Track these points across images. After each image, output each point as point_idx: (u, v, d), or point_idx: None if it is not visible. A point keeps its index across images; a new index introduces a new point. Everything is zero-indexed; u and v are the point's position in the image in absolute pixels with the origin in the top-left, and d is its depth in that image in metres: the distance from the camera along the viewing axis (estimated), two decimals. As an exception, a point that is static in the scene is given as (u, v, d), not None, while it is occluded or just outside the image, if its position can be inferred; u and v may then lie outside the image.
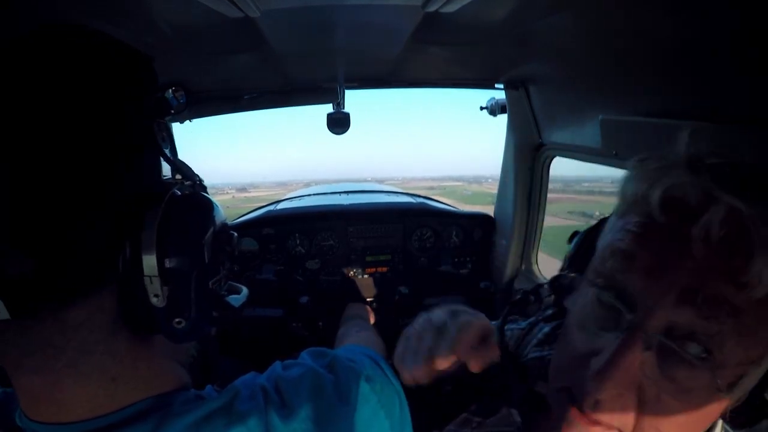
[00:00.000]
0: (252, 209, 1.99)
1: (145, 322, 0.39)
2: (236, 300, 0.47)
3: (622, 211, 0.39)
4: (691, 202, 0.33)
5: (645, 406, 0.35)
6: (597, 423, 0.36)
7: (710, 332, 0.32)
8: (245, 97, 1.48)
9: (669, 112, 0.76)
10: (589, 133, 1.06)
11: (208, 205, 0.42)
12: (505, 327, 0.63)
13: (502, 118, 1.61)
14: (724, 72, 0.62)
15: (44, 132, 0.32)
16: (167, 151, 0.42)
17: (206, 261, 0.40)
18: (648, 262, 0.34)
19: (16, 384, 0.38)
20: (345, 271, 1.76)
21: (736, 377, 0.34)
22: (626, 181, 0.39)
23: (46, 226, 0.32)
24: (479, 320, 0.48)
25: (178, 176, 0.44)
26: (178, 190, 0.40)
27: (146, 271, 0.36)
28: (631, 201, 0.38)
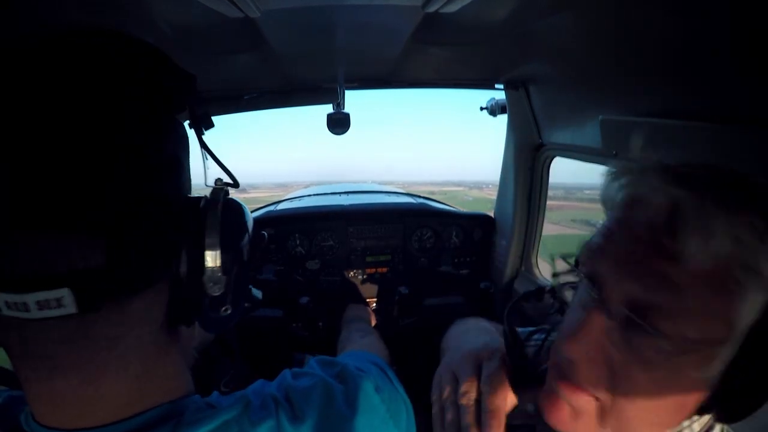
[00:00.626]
0: (251, 210, 1.99)
1: (191, 312, 0.42)
2: (257, 293, 0.52)
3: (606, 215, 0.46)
4: (649, 200, 0.39)
5: (616, 377, 0.39)
6: (576, 389, 0.41)
7: (657, 304, 0.36)
8: (245, 97, 1.48)
9: (669, 112, 0.76)
10: (589, 133, 1.06)
11: (245, 207, 0.48)
12: (532, 337, 0.64)
13: (502, 119, 1.61)
14: (724, 72, 0.62)
15: (115, 137, 0.34)
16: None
17: (248, 256, 0.45)
18: (612, 250, 0.41)
19: (40, 388, 0.36)
20: (345, 271, 1.76)
21: (703, 358, 0.37)
22: (603, 189, 0.47)
23: (119, 220, 0.34)
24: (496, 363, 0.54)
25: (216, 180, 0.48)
26: (225, 194, 0.44)
27: (209, 263, 0.40)
28: (608, 206, 0.45)
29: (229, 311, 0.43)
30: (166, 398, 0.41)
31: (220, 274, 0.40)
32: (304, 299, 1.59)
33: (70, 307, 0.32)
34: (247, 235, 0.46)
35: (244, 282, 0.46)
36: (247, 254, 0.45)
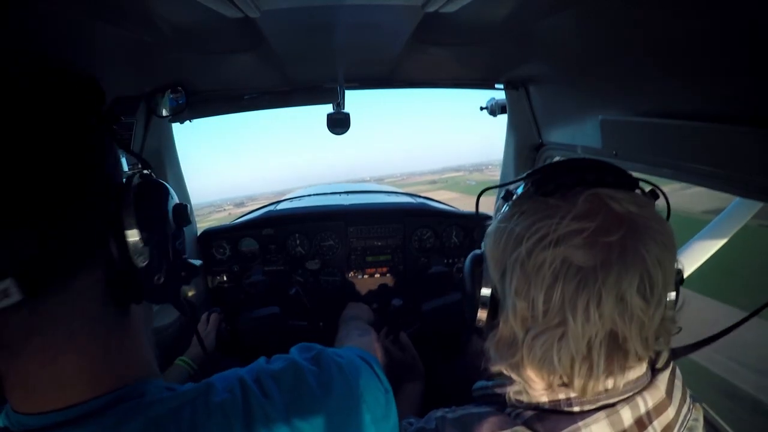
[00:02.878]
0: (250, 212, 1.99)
1: (130, 287, 0.45)
2: (196, 261, 0.57)
3: None
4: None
5: None
6: None
7: None
8: (245, 97, 1.48)
9: (669, 112, 0.76)
10: (589, 133, 1.06)
11: (164, 185, 0.52)
12: None
13: (502, 116, 1.61)
14: (725, 72, 0.62)
15: (41, 152, 0.38)
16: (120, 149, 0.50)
17: (172, 227, 0.51)
18: None
19: (11, 375, 0.40)
20: (345, 271, 1.77)
21: None
22: None
23: (48, 211, 0.38)
24: None
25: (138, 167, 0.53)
26: (139, 176, 0.49)
27: (130, 238, 0.44)
28: None
29: (162, 279, 0.48)
30: (127, 380, 0.43)
31: (141, 245, 0.44)
32: (293, 289, 1.59)
33: (15, 296, 0.35)
34: (164, 208, 0.50)
35: (174, 251, 0.51)
36: (169, 225, 0.50)
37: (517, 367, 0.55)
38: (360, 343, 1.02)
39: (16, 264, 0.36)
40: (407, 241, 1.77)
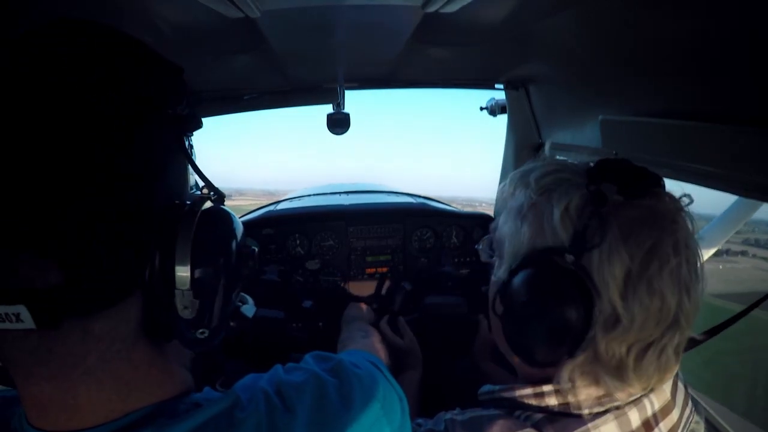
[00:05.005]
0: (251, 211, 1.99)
1: (167, 331, 0.39)
2: (248, 310, 0.49)
3: None
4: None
5: None
6: None
7: None
8: (245, 97, 1.47)
9: (669, 112, 0.76)
10: (589, 133, 1.06)
11: (232, 219, 0.43)
12: None
13: (502, 119, 1.61)
14: (725, 72, 0.62)
15: (71, 143, 0.32)
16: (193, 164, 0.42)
17: (232, 274, 0.41)
18: None
19: (23, 392, 0.37)
20: (345, 271, 1.76)
21: None
22: None
23: (75, 238, 0.32)
24: None
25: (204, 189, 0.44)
26: (204, 202, 0.41)
27: (178, 283, 0.36)
28: None
29: (206, 334, 0.40)
30: (160, 398, 0.40)
31: (191, 297, 0.37)
32: (308, 303, 1.57)
33: (28, 323, 0.32)
34: (230, 251, 0.41)
35: (227, 302, 0.42)
36: (230, 272, 0.41)
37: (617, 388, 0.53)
38: (364, 346, 1.01)
39: (30, 291, 0.31)
40: (407, 242, 1.77)
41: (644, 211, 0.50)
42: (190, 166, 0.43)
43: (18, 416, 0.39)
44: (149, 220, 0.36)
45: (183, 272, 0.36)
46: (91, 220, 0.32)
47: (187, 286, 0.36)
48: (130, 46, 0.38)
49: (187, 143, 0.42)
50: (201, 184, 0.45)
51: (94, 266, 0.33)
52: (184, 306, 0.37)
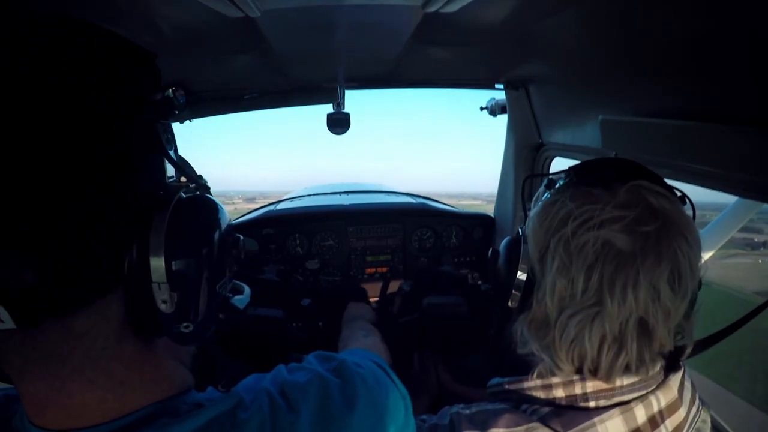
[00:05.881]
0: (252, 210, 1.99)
1: (151, 326, 0.39)
2: (240, 301, 0.48)
3: None
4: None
5: None
6: None
7: None
8: (245, 97, 1.47)
9: (669, 112, 0.76)
10: (589, 133, 1.06)
11: (214, 208, 0.42)
12: None
13: (502, 119, 1.61)
14: (725, 72, 0.62)
15: (43, 134, 0.31)
16: (171, 153, 0.41)
17: (214, 265, 0.40)
18: None
19: (21, 390, 0.37)
20: (345, 271, 1.76)
21: None
22: None
23: (47, 235, 0.31)
24: None
25: (183, 178, 0.43)
26: (183, 192, 0.39)
27: (154, 277, 0.35)
28: None
29: (191, 328, 0.39)
30: (160, 396, 0.40)
31: (169, 291, 0.36)
32: (306, 301, 1.58)
33: (8, 323, 0.31)
34: (210, 240, 0.40)
35: (212, 294, 0.41)
36: (216, 260, 0.40)
37: (548, 348, 0.57)
38: (365, 344, 1.01)
39: (7, 291, 0.31)
40: (407, 241, 1.77)
41: None
42: (170, 156, 0.42)
43: (19, 414, 0.39)
44: (125, 215, 0.35)
45: (158, 264, 0.35)
46: (64, 218, 0.31)
47: (164, 279, 0.35)
48: (130, 46, 0.38)
49: (168, 134, 0.41)
50: (196, 177, 0.44)
51: (68, 264, 0.32)
52: (162, 300, 0.36)
